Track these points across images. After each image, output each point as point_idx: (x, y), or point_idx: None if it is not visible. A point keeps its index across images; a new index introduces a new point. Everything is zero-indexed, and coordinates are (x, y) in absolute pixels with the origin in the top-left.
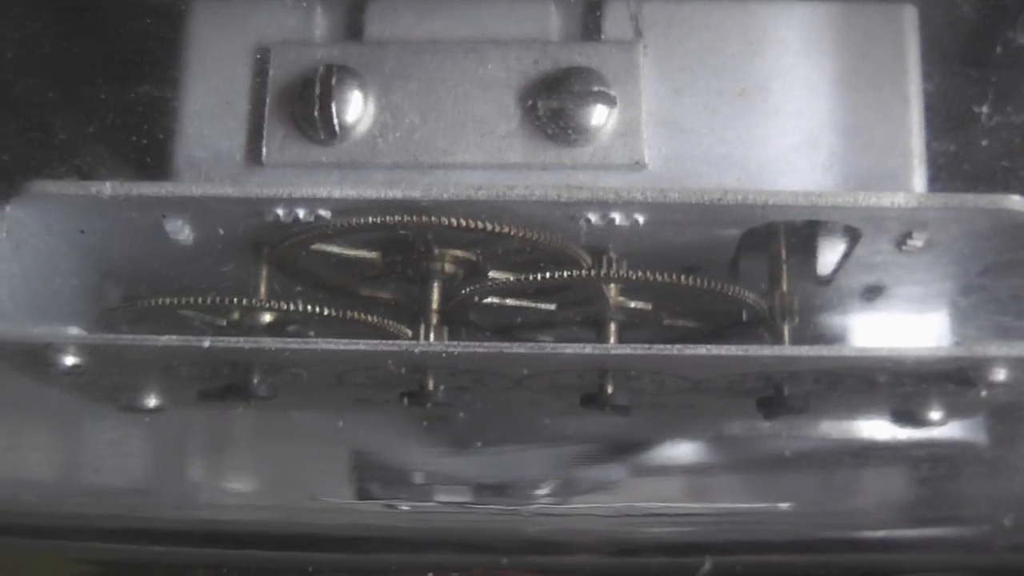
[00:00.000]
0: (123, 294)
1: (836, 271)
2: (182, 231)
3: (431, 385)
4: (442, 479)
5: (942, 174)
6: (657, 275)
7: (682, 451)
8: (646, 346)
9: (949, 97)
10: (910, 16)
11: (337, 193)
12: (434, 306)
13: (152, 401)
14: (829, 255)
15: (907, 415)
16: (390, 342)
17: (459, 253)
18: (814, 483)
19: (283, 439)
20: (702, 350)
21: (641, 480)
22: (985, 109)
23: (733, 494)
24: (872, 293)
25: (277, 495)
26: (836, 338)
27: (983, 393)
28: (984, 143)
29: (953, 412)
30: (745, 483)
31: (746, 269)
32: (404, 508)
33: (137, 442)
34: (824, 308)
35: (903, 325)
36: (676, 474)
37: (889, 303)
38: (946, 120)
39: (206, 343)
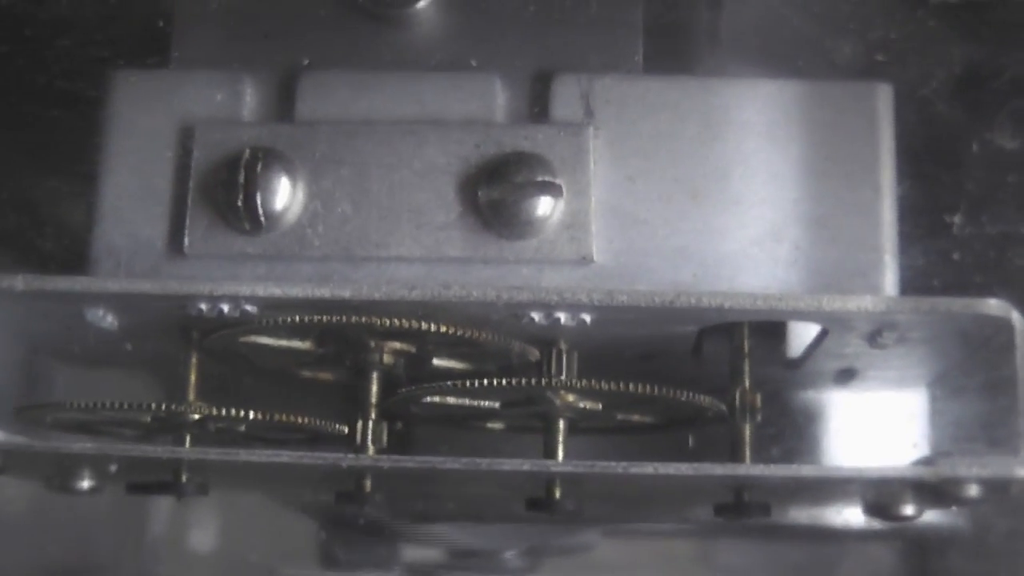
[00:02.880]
0: (54, 364)
1: (805, 358)
2: (104, 319)
3: (368, 487)
4: (407, 546)
5: (916, 277)
6: (602, 384)
7: (642, 531)
8: (589, 464)
9: (920, 203)
10: (884, 96)
11: (261, 291)
12: (373, 401)
13: (85, 483)
14: (796, 344)
15: (879, 509)
16: (315, 455)
17: (398, 346)
18: (785, 568)
19: (239, 510)
20: (649, 469)
21: (614, 548)
22: (958, 219)
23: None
24: (844, 377)
25: (235, 570)
26: (810, 418)
27: (953, 507)
28: (956, 256)
29: (926, 507)
30: (720, 554)
31: (710, 353)
32: None
33: (78, 522)
34: (797, 387)
35: (880, 404)
36: (649, 544)
37: (864, 384)
38: (915, 228)
39: (119, 451)
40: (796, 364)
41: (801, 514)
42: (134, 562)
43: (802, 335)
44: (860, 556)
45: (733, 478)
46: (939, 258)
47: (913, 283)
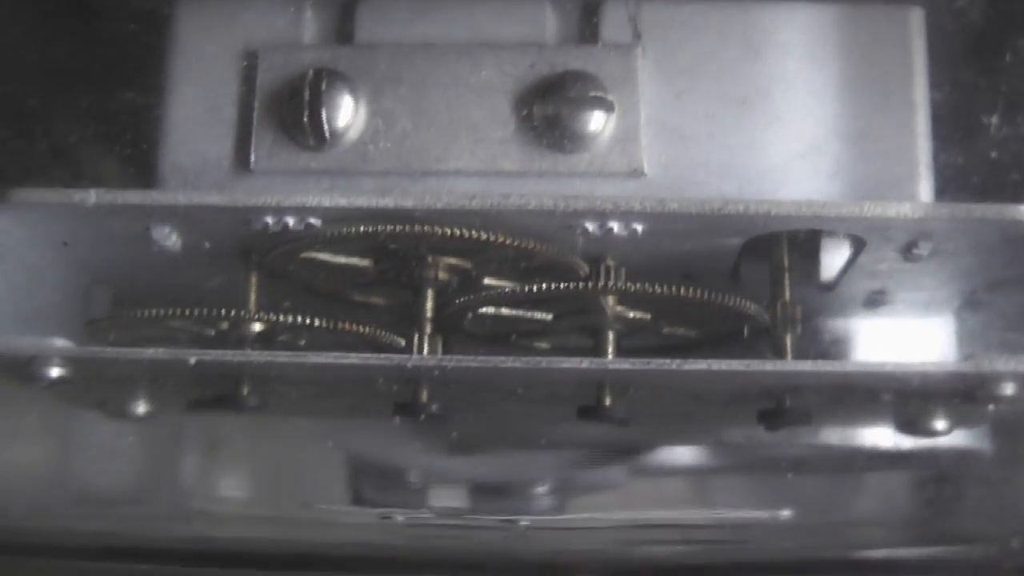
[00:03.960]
0: (111, 302)
1: (839, 278)
2: (169, 238)
3: (424, 397)
4: (438, 483)
5: (951, 185)
6: (656, 287)
7: (681, 456)
8: (645, 361)
9: (957, 107)
10: (916, 18)
11: (327, 202)
12: (428, 315)
13: (141, 408)
14: (833, 263)
15: (911, 424)
16: (381, 356)
17: (453, 261)
18: (816, 492)
19: (276, 443)
20: (702, 365)
21: (638, 487)
22: (995, 120)
23: (733, 502)
24: (876, 299)
25: (270, 504)
26: (839, 344)
27: (990, 408)
28: (993, 155)
29: (958, 422)
30: (744, 492)
31: (747, 276)
32: (399, 519)
33: (127, 449)
34: (827, 314)
35: (907, 331)
36: (674, 478)
37: (893, 309)
38: (954, 131)
39: (192, 359)
40: (830, 286)
41: (832, 435)
42: (169, 494)
43: (835, 259)
44: (887, 484)
45: (780, 374)
46: (978, 157)
47: (955, 181)
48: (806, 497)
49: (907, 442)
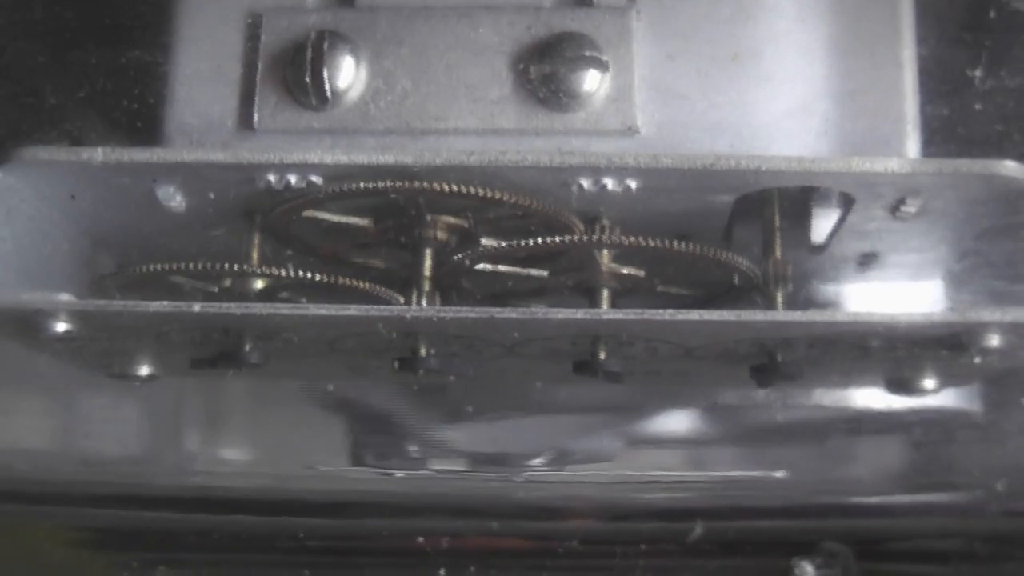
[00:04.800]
0: (115, 261)
1: (830, 238)
2: (173, 198)
3: (423, 351)
4: (437, 448)
5: (936, 139)
6: (649, 240)
7: (676, 420)
8: (638, 311)
9: (943, 62)
10: None
11: (329, 159)
12: (426, 272)
13: (144, 369)
14: (823, 222)
15: (901, 383)
16: (381, 307)
17: (451, 219)
18: (809, 451)
19: (278, 407)
20: (695, 315)
21: (635, 448)
22: (979, 73)
23: (727, 462)
24: (866, 261)
25: (271, 463)
26: (830, 306)
27: (977, 359)
28: (978, 107)
29: (947, 379)
30: (739, 451)
31: (739, 236)
32: (398, 475)
33: (130, 410)
34: (818, 276)
35: (898, 293)
36: (670, 443)
37: (883, 271)
38: (941, 84)
39: (196, 308)
40: (821, 248)
41: (826, 397)
42: (173, 456)
43: (826, 221)
44: (879, 443)
45: (770, 324)
46: (963, 109)
47: (941, 132)
48: (799, 457)
49: (898, 401)
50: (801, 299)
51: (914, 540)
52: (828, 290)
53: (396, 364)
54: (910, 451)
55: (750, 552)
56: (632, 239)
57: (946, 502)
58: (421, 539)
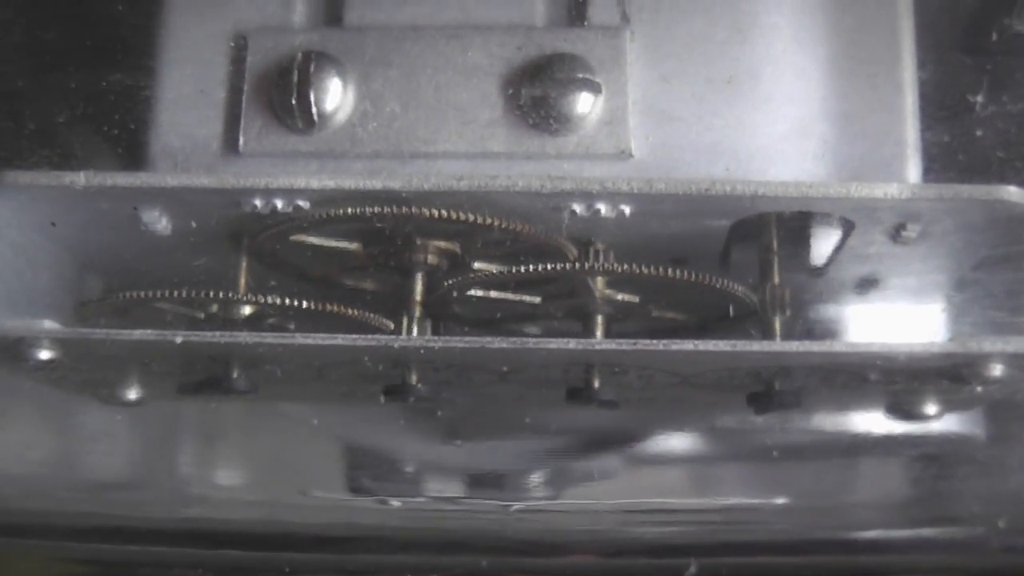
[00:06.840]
0: (101, 286)
1: (829, 262)
2: (159, 222)
3: (413, 380)
4: (432, 471)
5: (936, 164)
6: (643, 268)
7: (672, 445)
8: (632, 341)
9: (944, 86)
10: (904, 1)
11: (315, 184)
12: (417, 298)
13: (132, 394)
14: (822, 246)
15: (901, 409)
16: (368, 336)
17: (442, 244)
18: (807, 478)
19: (271, 432)
20: (689, 346)
21: (631, 474)
22: (980, 98)
23: (724, 489)
24: (866, 285)
25: (265, 490)
26: (829, 331)
27: (978, 389)
28: (979, 133)
29: (948, 407)
30: (737, 477)
31: (737, 260)
32: (395, 504)
33: (120, 435)
34: (817, 300)
35: (897, 317)
36: (666, 468)
37: (883, 295)
38: (940, 110)
39: (178, 339)
40: (821, 271)
41: (825, 422)
42: (168, 481)
43: (825, 244)
44: (878, 471)
45: (766, 354)
46: (964, 135)
47: (940, 159)
48: (797, 484)
49: (899, 427)
50: (800, 325)
51: None
52: (828, 312)
53: (383, 396)
54: (911, 487)
55: None
56: (626, 266)
57: (946, 537)
58: None
